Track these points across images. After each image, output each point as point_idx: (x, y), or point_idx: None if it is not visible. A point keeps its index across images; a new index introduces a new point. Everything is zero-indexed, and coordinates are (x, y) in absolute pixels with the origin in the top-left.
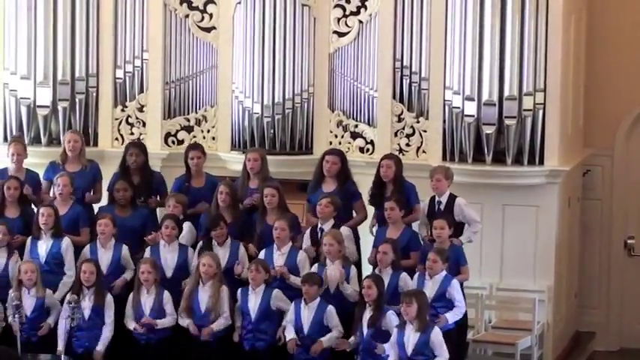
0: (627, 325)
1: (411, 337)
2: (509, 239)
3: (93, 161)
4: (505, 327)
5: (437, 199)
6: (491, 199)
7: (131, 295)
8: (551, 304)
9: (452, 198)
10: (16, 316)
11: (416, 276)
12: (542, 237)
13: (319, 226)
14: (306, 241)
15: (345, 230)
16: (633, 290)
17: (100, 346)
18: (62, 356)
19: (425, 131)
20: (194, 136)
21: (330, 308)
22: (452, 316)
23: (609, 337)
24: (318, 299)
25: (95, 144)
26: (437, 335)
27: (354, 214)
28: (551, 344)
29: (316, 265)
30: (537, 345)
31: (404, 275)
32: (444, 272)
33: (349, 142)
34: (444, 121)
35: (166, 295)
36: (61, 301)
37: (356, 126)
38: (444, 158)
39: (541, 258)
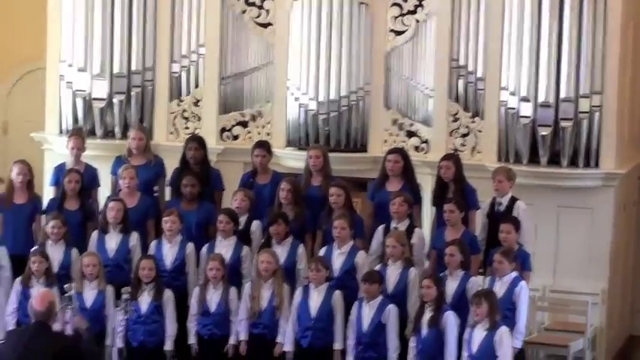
0: None
1: (477, 336)
2: (564, 241)
3: (158, 156)
4: (558, 329)
5: (497, 200)
6: (546, 200)
7: (196, 291)
8: (604, 307)
9: (513, 200)
10: (69, 307)
11: (488, 279)
12: (596, 240)
13: (393, 225)
14: (378, 239)
15: (419, 232)
16: None
17: (169, 345)
18: (116, 348)
19: (480, 131)
20: (249, 132)
21: (391, 307)
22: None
23: None
24: (380, 298)
25: (150, 137)
26: (502, 335)
27: None
28: (604, 347)
29: (379, 265)
30: (590, 348)
31: (473, 279)
32: (514, 273)
33: (404, 141)
34: (500, 122)
35: (233, 291)
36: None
37: (411, 125)
38: (499, 159)
39: (595, 261)
